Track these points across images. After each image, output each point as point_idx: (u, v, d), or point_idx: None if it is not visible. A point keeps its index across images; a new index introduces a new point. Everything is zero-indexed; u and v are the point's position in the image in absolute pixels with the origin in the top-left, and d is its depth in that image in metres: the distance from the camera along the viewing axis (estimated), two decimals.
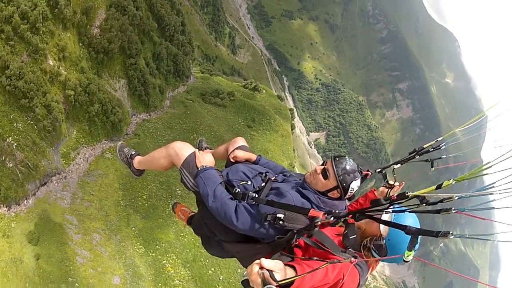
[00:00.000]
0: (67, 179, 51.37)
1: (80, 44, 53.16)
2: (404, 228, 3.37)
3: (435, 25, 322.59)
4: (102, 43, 54.93)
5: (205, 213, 5.00)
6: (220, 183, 4.79)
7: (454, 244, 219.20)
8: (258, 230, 4.36)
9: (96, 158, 55.67)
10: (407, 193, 3.49)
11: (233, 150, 5.61)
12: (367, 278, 4.18)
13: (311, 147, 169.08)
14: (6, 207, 44.03)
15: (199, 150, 6.18)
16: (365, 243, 4.34)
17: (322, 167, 4.51)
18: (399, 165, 5.16)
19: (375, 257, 4.28)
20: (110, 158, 56.38)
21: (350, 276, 3.72)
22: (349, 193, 4.43)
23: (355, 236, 4.15)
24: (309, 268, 3.29)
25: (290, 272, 3.18)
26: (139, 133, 62.51)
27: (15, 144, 43.95)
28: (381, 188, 5.22)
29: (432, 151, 5.02)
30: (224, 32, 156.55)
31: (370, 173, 4.97)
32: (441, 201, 3.04)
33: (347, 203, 4.81)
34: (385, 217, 4.02)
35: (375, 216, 3.80)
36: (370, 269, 4.31)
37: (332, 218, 3.96)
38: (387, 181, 5.19)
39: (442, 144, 4.90)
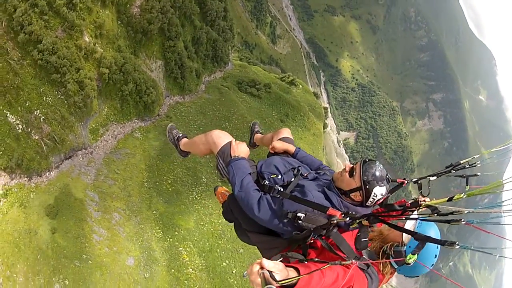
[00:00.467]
0: (93, 154, 51.22)
1: (119, 23, 52.79)
2: (414, 234, 3.62)
3: (474, 39, 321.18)
4: (142, 23, 54.42)
5: (231, 201, 5.28)
6: (250, 173, 4.99)
7: (462, 265, 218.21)
8: (277, 224, 4.52)
9: (125, 137, 55.42)
10: (420, 201, 3.70)
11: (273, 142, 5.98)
12: None
13: (339, 146, 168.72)
14: (26, 177, 44.16)
15: (251, 132, 7.55)
16: (384, 249, 4.30)
17: (352, 165, 4.56)
18: (435, 177, 4.85)
19: (387, 261, 4.23)
20: (139, 138, 56.22)
21: (358, 284, 3.75)
22: (371, 199, 4.41)
23: (367, 239, 4.10)
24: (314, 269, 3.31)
25: (292, 274, 3.19)
26: (171, 115, 61.91)
27: (43, 117, 43.90)
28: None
29: (468, 167, 4.78)
30: (266, 20, 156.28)
31: (406, 182, 4.91)
32: (452, 213, 3.18)
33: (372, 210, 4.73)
34: (409, 224, 4.10)
35: (389, 221, 3.86)
36: (385, 279, 4.28)
37: (347, 219, 3.98)
38: (421, 193, 4.91)
39: (478, 162, 4.70)
